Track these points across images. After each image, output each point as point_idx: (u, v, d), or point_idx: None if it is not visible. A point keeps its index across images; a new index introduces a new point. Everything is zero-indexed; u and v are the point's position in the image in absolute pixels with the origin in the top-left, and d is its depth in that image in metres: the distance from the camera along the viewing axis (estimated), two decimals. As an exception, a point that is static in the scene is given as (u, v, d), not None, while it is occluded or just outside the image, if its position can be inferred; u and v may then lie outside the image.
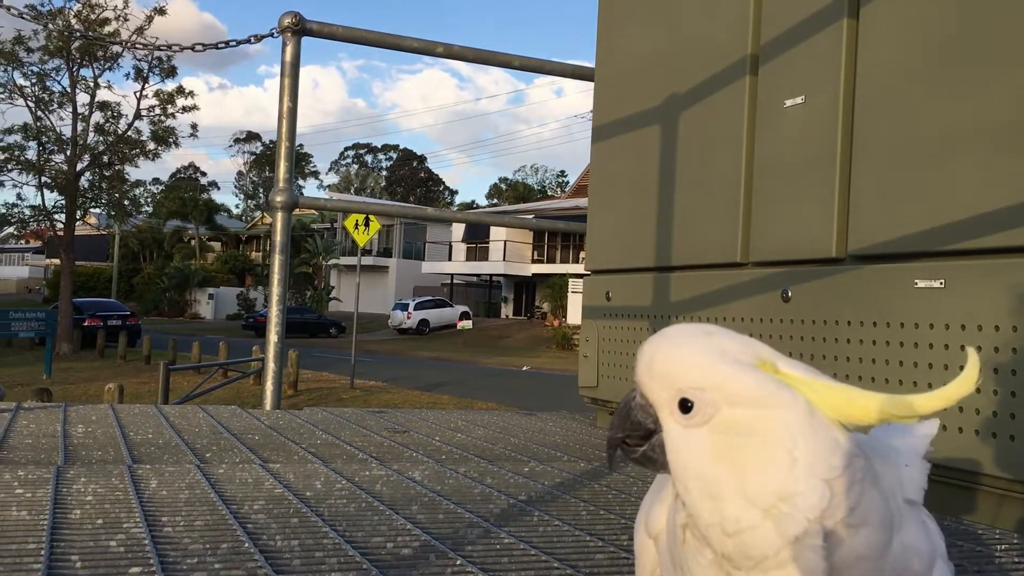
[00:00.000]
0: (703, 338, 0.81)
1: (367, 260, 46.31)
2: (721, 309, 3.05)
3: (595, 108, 3.86)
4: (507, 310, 47.69)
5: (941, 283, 2.27)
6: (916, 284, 2.33)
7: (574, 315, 33.92)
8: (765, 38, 2.93)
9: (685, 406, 0.78)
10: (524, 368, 26.75)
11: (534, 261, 46.13)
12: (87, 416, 3.24)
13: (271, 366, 3.84)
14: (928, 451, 0.93)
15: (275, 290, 3.89)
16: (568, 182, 75.45)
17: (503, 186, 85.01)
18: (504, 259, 45.03)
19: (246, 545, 1.63)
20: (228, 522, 1.79)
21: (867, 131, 2.55)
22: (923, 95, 2.38)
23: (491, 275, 47.67)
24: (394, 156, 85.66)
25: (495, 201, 79.13)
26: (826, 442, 0.76)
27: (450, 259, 48.86)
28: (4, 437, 2.68)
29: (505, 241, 44.71)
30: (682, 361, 0.79)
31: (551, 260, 45.30)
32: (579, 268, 40.02)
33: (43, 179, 30.34)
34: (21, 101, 29.93)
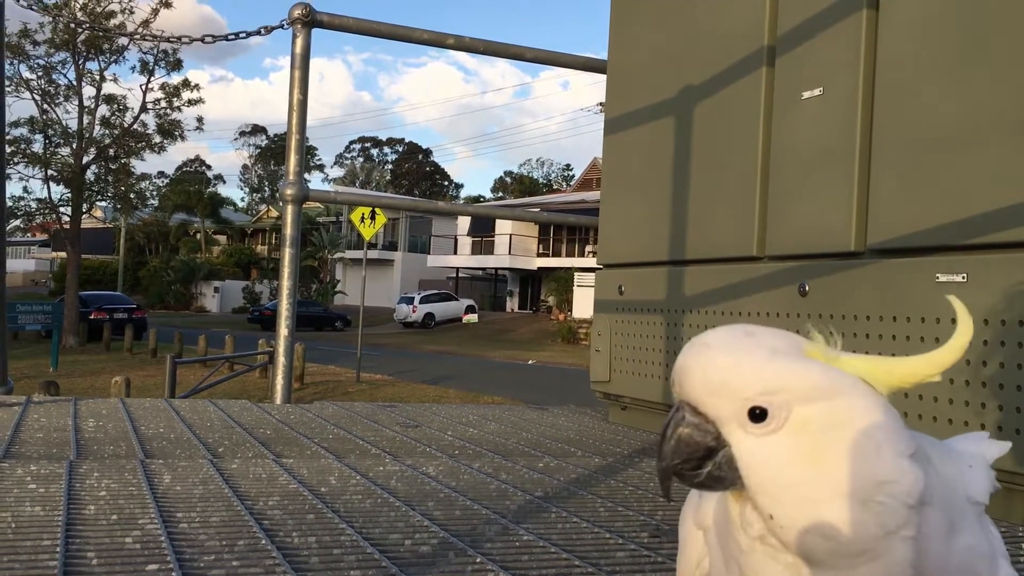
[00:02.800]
0: (750, 339, 0.77)
1: (373, 254, 46.33)
2: (737, 304, 3.02)
3: (607, 101, 3.83)
4: (512, 304, 47.66)
5: (963, 277, 2.24)
6: (937, 278, 2.30)
7: (580, 309, 33.89)
8: (782, 29, 2.89)
9: (754, 415, 0.74)
10: (530, 362, 26.74)
11: (539, 255, 46.10)
12: (97, 410, 3.22)
13: (281, 360, 3.82)
14: (995, 459, 0.88)
15: (285, 283, 3.87)
16: (574, 176, 75.35)
17: (508, 180, 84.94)
18: (509, 253, 44.98)
19: (263, 542, 1.61)
20: (244, 518, 1.77)
21: (886, 123, 2.51)
22: (943, 86, 2.35)
23: (496, 269, 47.64)
24: (400, 150, 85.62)
25: (501, 195, 79.08)
26: (894, 420, 0.75)
27: (455, 253, 48.82)
28: (15, 431, 2.67)
29: (511, 235, 44.66)
30: (742, 369, 0.75)
31: (557, 254, 45.25)
32: (585, 262, 40.08)
33: (49, 172, 30.38)
34: (27, 94, 29.95)
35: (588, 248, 41.59)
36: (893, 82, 2.50)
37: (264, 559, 1.52)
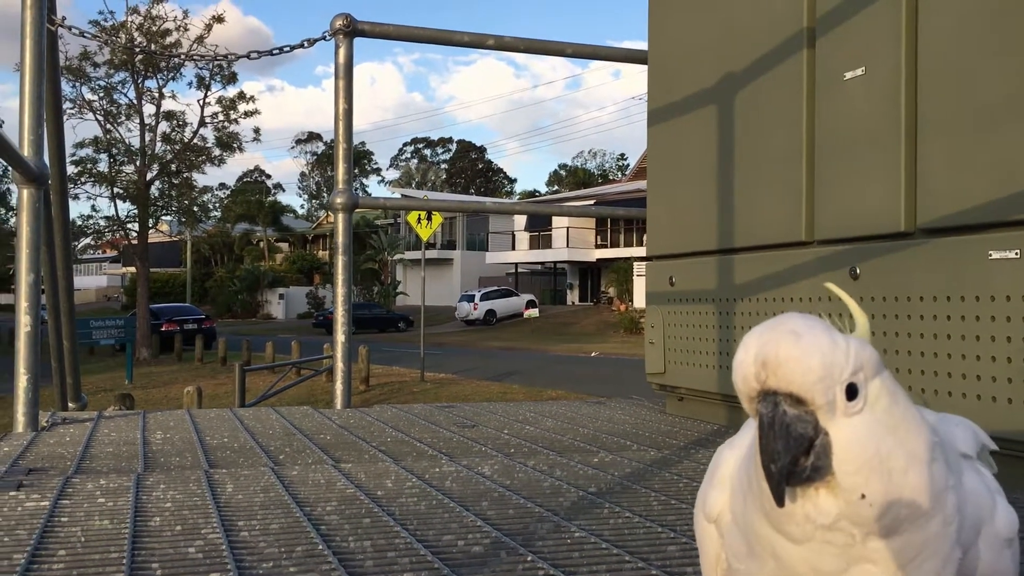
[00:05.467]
0: (816, 323, 0.78)
1: (431, 253, 46.64)
2: (787, 290, 2.99)
3: (649, 91, 3.81)
4: (573, 296, 47.59)
5: (1017, 253, 2.19)
6: (991, 255, 2.25)
7: (641, 299, 33.68)
8: (821, 10, 2.85)
9: (849, 394, 0.76)
10: (593, 354, 26.68)
11: (598, 246, 45.94)
12: (165, 422, 3.32)
13: (340, 366, 3.89)
14: (980, 432, 0.92)
15: (340, 290, 3.94)
16: (629, 165, 74.89)
17: (563, 172, 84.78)
18: (567, 246, 44.93)
19: (320, 547, 1.66)
20: (302, 524, 1.82)
21: (932, 100, 2.46)
22: (988, 58, 2.29)
23: (555, 262, 47.59)
24: (452, 148, 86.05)
25: (555, 188, 78.96)
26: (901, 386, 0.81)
27: (513, 248, 48.92)
28: (87, 447, 2.77)
29: (568, 228, 44.60)
30: (838, 351, 0.76)
31: (615, 244, 45.06)
32: (643, 251, 39.54)
33: (115, 190, 31.21)
34: (90, 115, 30.82)
35: (646, 238, 41.28)
36: (936, 57, 2.45)
37: (320, 564, 1.56)
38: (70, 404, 4.42)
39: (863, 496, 0.75)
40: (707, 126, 3.39)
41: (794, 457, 0.75)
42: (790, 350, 0.75)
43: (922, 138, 2.49)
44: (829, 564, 0.77)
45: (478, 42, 4.19)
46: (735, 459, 0.86)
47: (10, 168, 3.05)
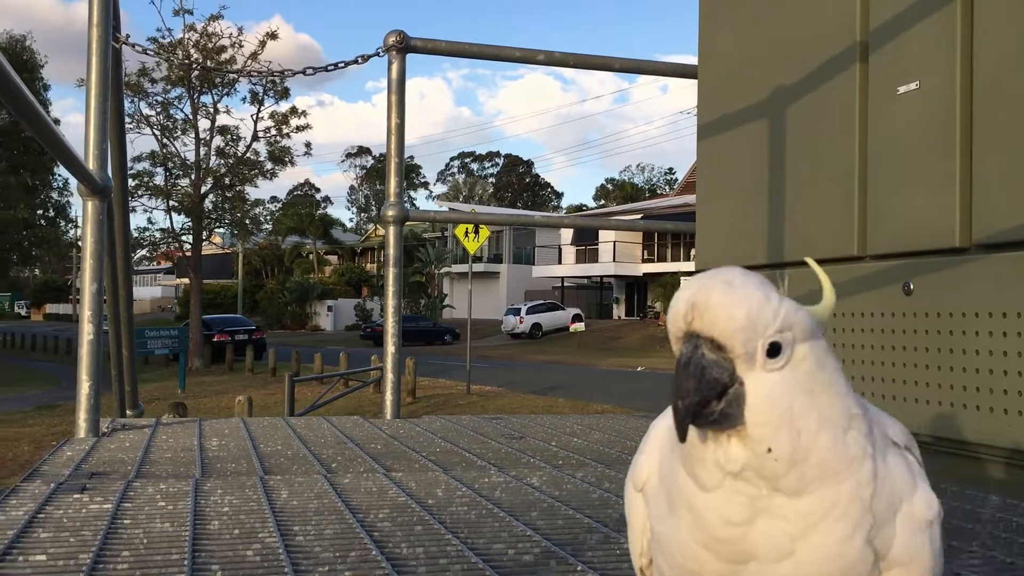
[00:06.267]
0: (754, 278, 0.80)
1: (478, 267, 46.84)
2: (839, 305, 2.96)
3: (699, 105, 3.82)
4: (619, 311, 47.42)
5: (1076, 269, 2.16)
6: (1048, 271, 2.22)
7: (688, 313, 33.36)
8: (875, 23, 2.84)
9: (771, 350, 0.78)
10: (639, 369, 26.54)
11: (644, 260, 45.75)
12: (220, 429, 3.39)
13: (389, 376, 3.94)
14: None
15: (390, 302, 3.99)
16: (677, 179, 74.51)
17: (610, 186, 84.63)
18: (614, 260, 44.82)
19: (373, 553, 1.69)
20: (356, 531, 1.86)
21: (987, 113, 2.44)
22: (1048, 73, 2.27)
23: (601, 276, 47.49)
24: (499, 162, 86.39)
25: (602, 202, 78.82)
26: (836, 360, 0.84)
27: (560, 262, 48.94)
28: (146, 452, 2.84)
29: (615, 242, 44.50)
30: (768, 306, 0.78)
31: (662, 259, 44.83)
32: (691, 266, 39.19)
33: (171, 203, 31.90)
34: (148, 130, 31.56)
35: (694, 252, 41.01)
36: (992, 71, 2.43)
37: (374, 569, 1.60)
38: (128, 411, 4.52)
39: (769, 450, 0.78)
40: (758, 139, 3.39)
41: (704, 398, 0.78)
42: (720, 297, 0.78)
43: (977, 152, 2.47)
44: (737, 514, 0.80)
45: (528, 57, 4.23)
46: (667, 427, 0.87)
47: (75, 180, 3.15)
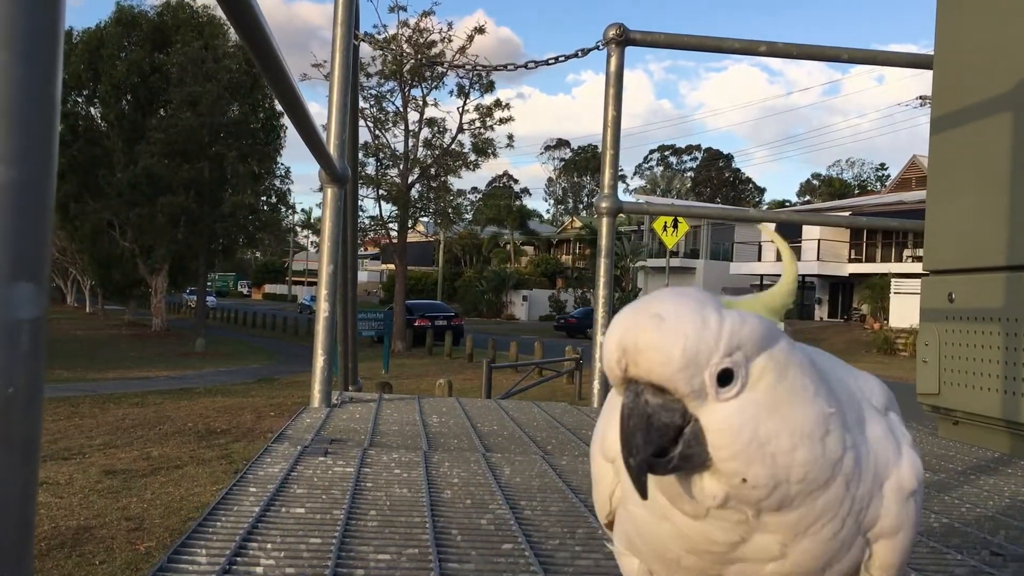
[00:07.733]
0: (694, 301, 0.73)
1: (674, 262, 46.26)
2: (1091, 312, 2.75)
3: (934, 97, 3.62)
4: (821, 312, 45.49)
5: None
6: None
7: (897, 318, 31.60)
8: None
9: (722, 379, 0.72)
10: (842, 373, 25.37)
11: (851, 260, 43.61)
12: (438, 408, 3.57)
13: (598, 365, 3.99)
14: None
15: (601, 292, 4.05)
16: (889, 175, 70.51)
17: (816, 182, 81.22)
18: (818, 259, 42.99)
19: (599, 532, 1.75)
20: (580, 509, 1.92)
21: None
22: None
23: (804, 275, 45.65)
24: (698, 156, 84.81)
25: (807, 198, 75.78)
26: (799, 351, 0.79)
27: (759, 259, 47.46)
28: (375, 423, 3.04)
29: (819, 240, 42.69)
30: (706, 335, 0.71)
31: (871, 259, 42.57)
32: (904, 267, 37.29)
33: (380, 192, 33.51)
34: (361, 122, 33.27)
35: (907, 252, 38.75)
36: None
37: (603, 547, 1.65)
38: (350, 387, 4.83)
39: (745, 480, 0.72)
40: (1000, 133, 3.18)
41: (659, 447, 0.72)
42: (650, 337, 0.71)
43: None
44: (724, 537, 0.76)
45: (749, 49, 4.16)
46: None
47: (318, 167, 3.40)
